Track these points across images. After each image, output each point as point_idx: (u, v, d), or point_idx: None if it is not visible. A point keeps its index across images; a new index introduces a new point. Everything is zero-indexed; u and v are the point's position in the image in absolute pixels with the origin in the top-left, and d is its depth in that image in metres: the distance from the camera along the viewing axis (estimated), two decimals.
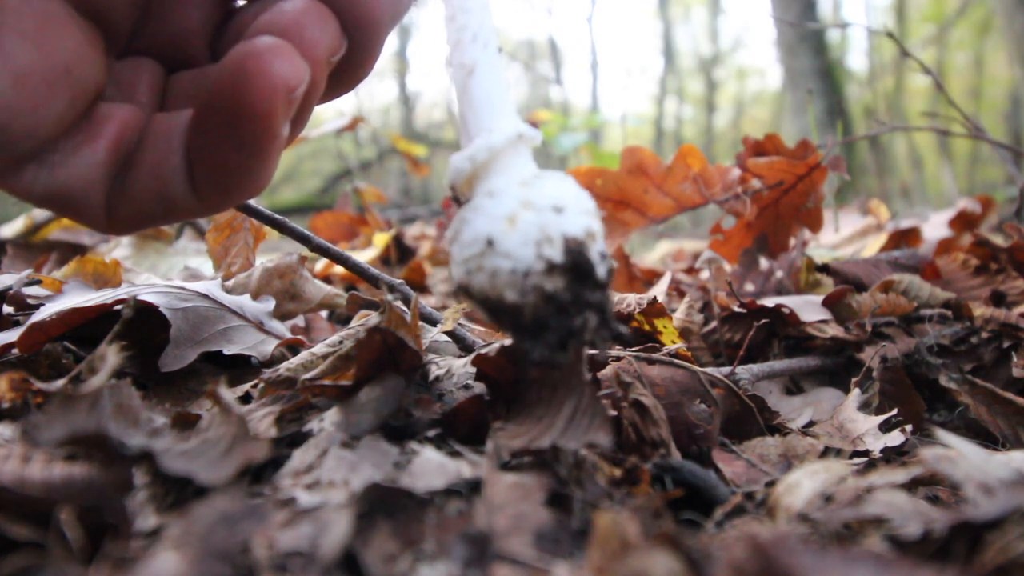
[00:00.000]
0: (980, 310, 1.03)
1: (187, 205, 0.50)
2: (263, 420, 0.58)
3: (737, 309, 1.08)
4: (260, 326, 0.88)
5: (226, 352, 0.81)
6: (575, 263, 0.47)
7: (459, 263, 0.49)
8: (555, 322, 0.47)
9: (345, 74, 0.54)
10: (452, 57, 0.53)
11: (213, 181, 0.49)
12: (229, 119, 0.46)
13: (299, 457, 0.51)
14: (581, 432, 0.54)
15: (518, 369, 0.62)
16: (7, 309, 0.89)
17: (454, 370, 0.68)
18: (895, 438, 0.71)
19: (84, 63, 0.48)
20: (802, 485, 0.51)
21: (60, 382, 0.60)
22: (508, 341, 0.64)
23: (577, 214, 0.48)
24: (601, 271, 0.48)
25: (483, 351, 0.64)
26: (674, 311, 1.11)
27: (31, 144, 0.47)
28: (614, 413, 0.60)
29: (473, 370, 0.66)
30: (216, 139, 0.47)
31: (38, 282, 0.97)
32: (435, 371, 0.69)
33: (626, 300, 0.86)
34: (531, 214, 0.47)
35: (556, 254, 0.46)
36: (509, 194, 0.48)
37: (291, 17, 0.48)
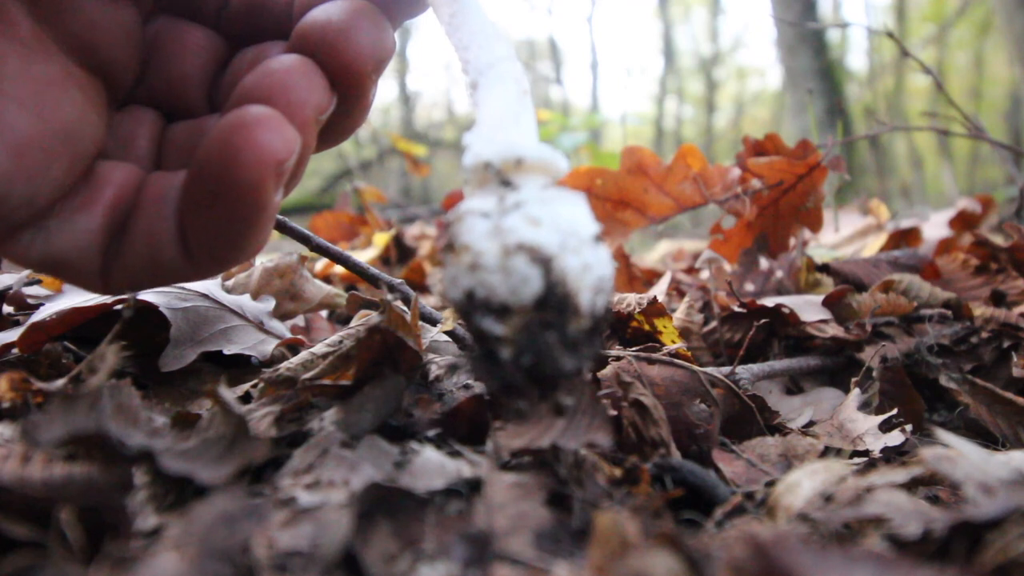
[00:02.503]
0: (980, 310, 1.04)
1: (180, 270, 0.49)
2: (263, 420, 0.58)
3: (737, 309, 1.08)
4: (260, 326, 0.88)
5: (226, 352, 0.81)
6: (605, 315, 0.45)
7: (554, 232, 0.42)
8: (586, 348, 0.43)
9: (337, 127, 0.53)
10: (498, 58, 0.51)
11: (205, 248, 0.48)
12: (219, 193, 0.45)
13: (299, 457, 0.51)
14: (581, 432, 0.54)
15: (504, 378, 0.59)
16: (7, 309, 0.89)
17: None
18: (895, 438, 0.71)
19: (84, 126, 0.48)
20: (802, 485, 0.51)
21: (60, 382, 0.60)
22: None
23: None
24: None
25: None
26: (674, 311, 1.11)
27: (28, 212, 0.46)
28: (614, 413, 0.60)
29: None
30: (207, 210, 0.46)
31: (38, 282, 0.97)
32: (435, 371, 0.69)
33: (626, 300, 0.86)
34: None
35: (606, 286, 0.44)
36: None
37: (278, 79, 0.47)
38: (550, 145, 0.48)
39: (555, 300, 0.42)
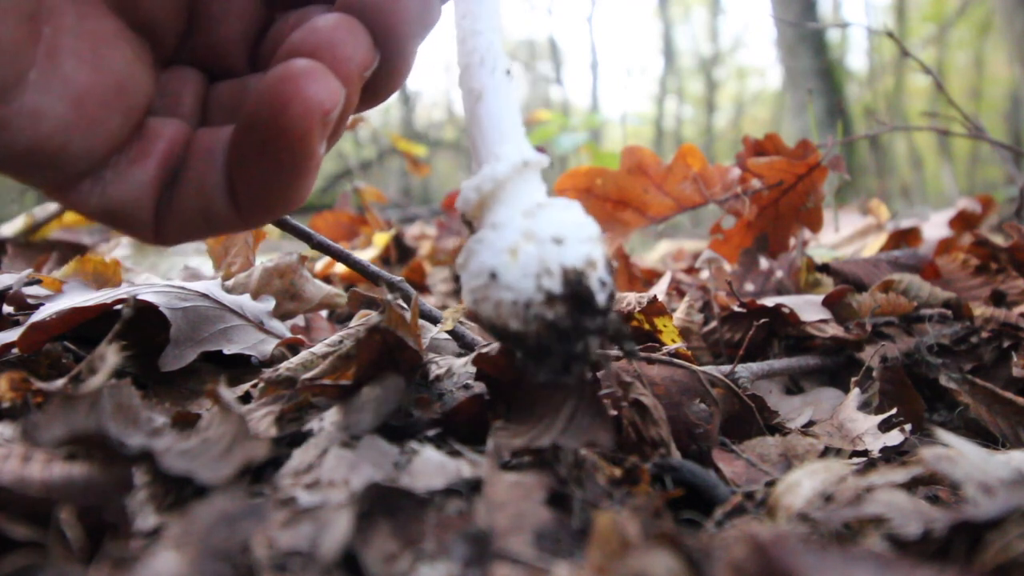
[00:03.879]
0: (980, 310, 1.03)
1: (229, 220, 0.52)
2: (263, 420, 0.58)
3: (737, 309, 1.08)
4: (260, 326, 0.88)
5: (226, 352, 0.81)
6: (574, 293, 0.48)
7: (467, 292, 0.51)
8: (558, 347, 0.49)
9: (379, 86, 0.55)
10: (462, 81, 0.54)
11: (254, 198, 0.51)
12: (267, 142, 0.47)
13: (299, 457, 0.51)
14: (581, 432, 0.54)
15: (523, 376, 0.63)
16: (7, 309, 0.89)
17: (454, 369, 0.68)
18: (895, 438, 0.71)
19: (135, 80, 0.50)
20: (802, 485, 0.51)
21: (60, 382, 0.60)
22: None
23: (578, 243, 0.50)
24: (601, 298, 0.50)
25: (483, 350, 0.64)
26: (674, 311, 1.11)
27: (87, 162, 0.48)
28: (614, 413, 0.60)
29: (473, 369, 0.66)
30: (255, 160, 0.49)
31: (38, 282, 0.97)
32: (435, 370, 0.69)
33: (626, 299, 0.86)
34: (532, 246, 0.49)
35: (555, 285, 0.48)
36: (512, 226, 0.50)
37: (324, 35, 0.49)
38: (504, 137, 0.52)
39: (501, 335, 0.51)
